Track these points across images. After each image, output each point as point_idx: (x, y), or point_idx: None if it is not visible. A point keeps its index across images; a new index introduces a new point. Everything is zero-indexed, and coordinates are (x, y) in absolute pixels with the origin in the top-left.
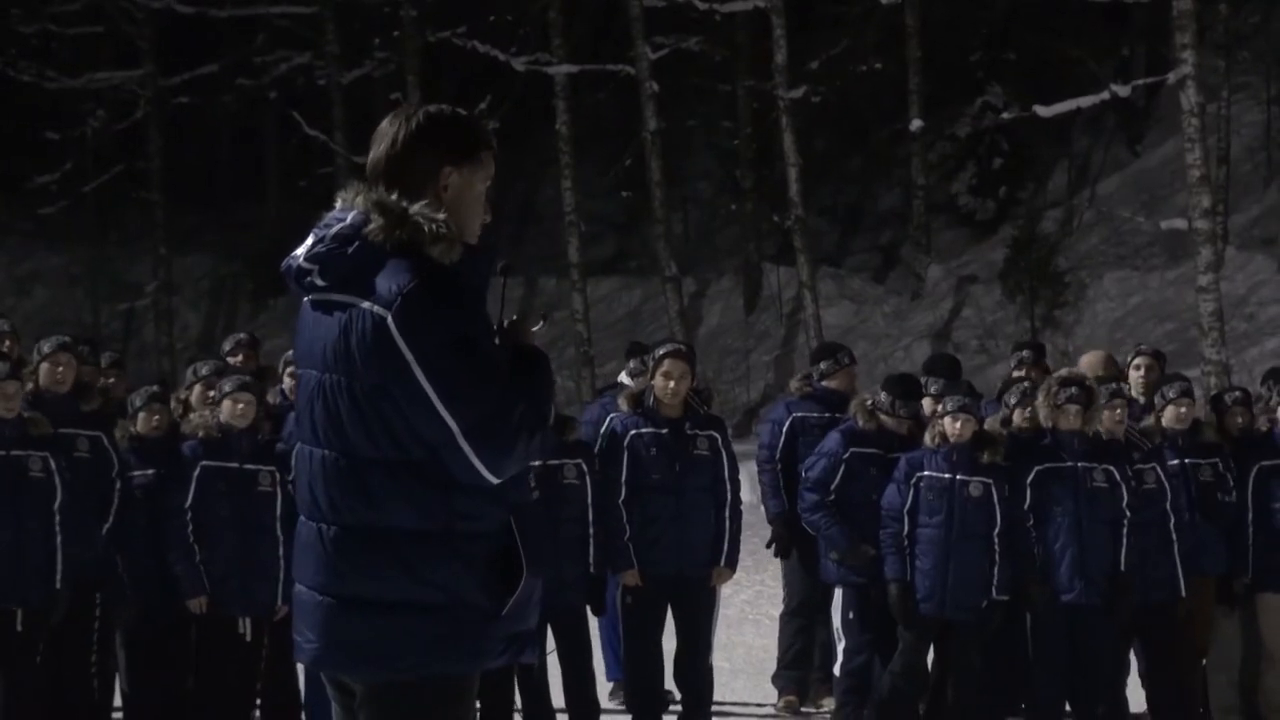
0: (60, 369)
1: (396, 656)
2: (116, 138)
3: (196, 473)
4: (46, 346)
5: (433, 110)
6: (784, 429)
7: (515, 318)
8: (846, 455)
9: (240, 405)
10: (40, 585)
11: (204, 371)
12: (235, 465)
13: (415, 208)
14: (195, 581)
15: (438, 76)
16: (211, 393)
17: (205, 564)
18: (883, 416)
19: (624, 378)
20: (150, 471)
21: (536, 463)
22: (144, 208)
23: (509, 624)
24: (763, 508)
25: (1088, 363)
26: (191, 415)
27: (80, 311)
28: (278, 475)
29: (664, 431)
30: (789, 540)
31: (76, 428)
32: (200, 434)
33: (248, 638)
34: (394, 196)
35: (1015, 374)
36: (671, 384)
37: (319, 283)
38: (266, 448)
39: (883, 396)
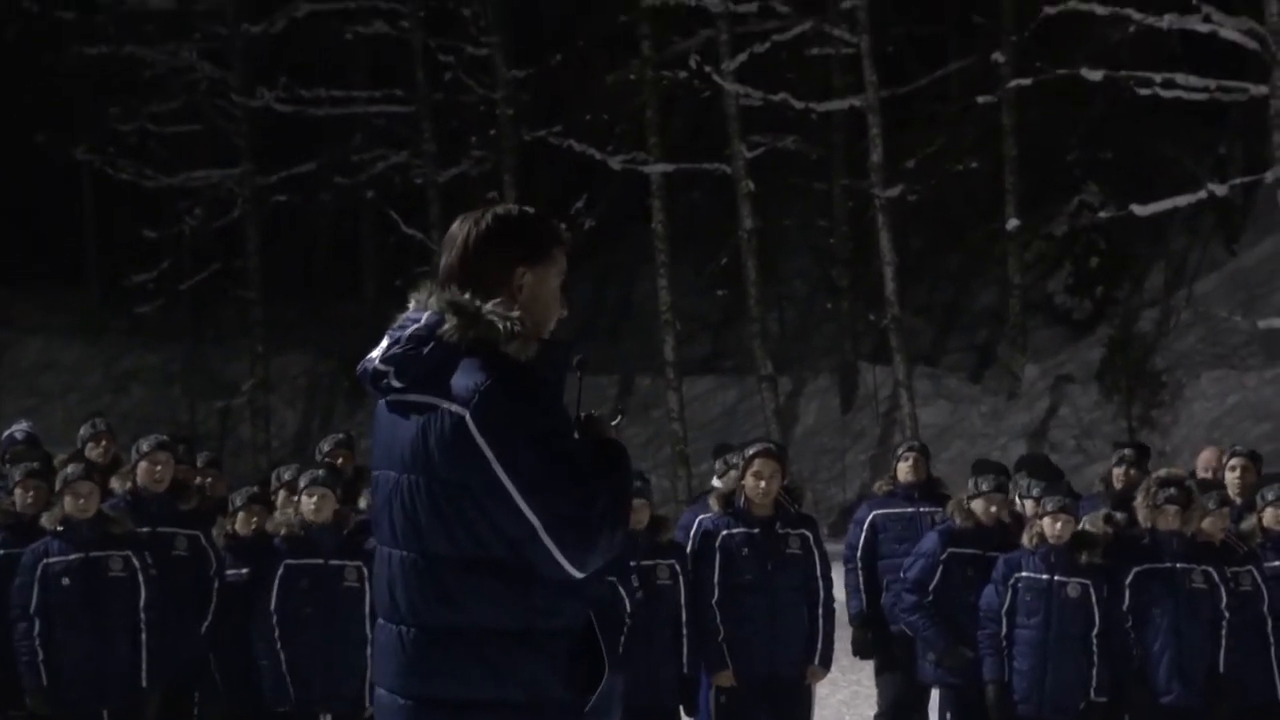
0: (159, 468)
1: None
2: (214, 236)
3: (280, 572)
4: (145, 445)
5: (501, 211)
6: (864, 527)
7: (592, 412)
8: (944, 556)
9: (315, 499)
10: (124, 687)
11: (287, 476)
12: (320, 562)
13: (489, 306)
14: (278, 686)
15: (534, 175)
16: (295, 496)
17: (289, 663)
18: (972, 504)
19: (715, 480)
20: (245, 571)
21: (634, 562)
22: (241, 306)
23: (593, 719)
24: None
25: (1204, 460)
26: (276, 515)
27: (177, 410)
28: (365, 571)
29: (755, 531)
30: (868, 640)
31: (175, 526)
32: (283, 532)
33: None
34: (466, 296)
35: (1115, 470)
36: (763, 483)
37: (395, 384)
38: (352, 542)
39: (970, 484)
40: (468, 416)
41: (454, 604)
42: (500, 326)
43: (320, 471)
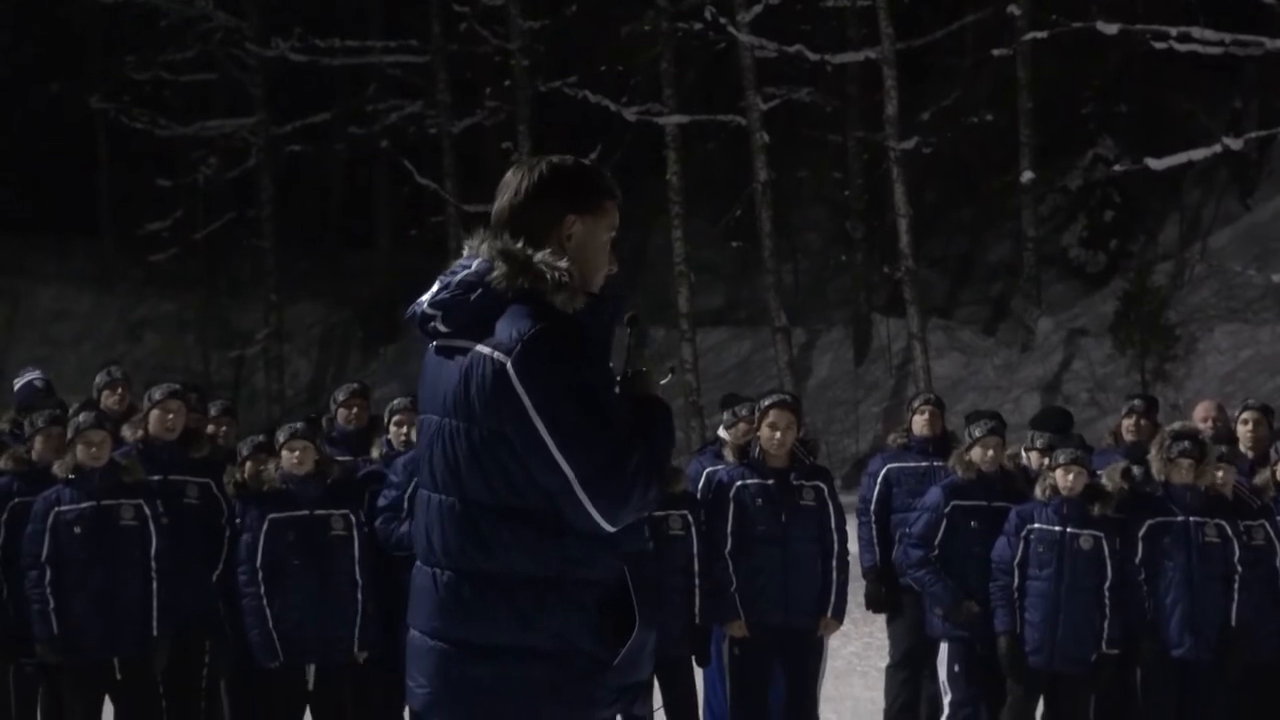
0: (171, 416)
1: (508, 703)
2: (228, 185)
3: (265, 527)
4: (157, 394)
5: (556, 160)
6: (878, 481)
7: (644, 368)
8: (948, 509)
9: (296, 453)
10: (135, 634)
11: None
12: (305, 513)
13: (539, 255)
14: (266, 643)
15: (548, 126)
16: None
17: (277, 618)
18: (970, 454)
19: (722, 431)
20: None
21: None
22: (255, 255)
23: (621, 674)
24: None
25: (1200, 412)
26: (261, 471)
27: (191, 359)
28: (352, 519)
29: (770, 482)
30: (881, 594)
31: (186, 474)
32: (265, 488)
33: (310, 685)
34: (518, 244)
35: (1125, 422)
36: (778, 435)
37: (442, 329)
38: (337, 491)
39: (965, 435)
40: (509, 364)
41: (488, 550)
42: (549, 276)
43: (299, 424)
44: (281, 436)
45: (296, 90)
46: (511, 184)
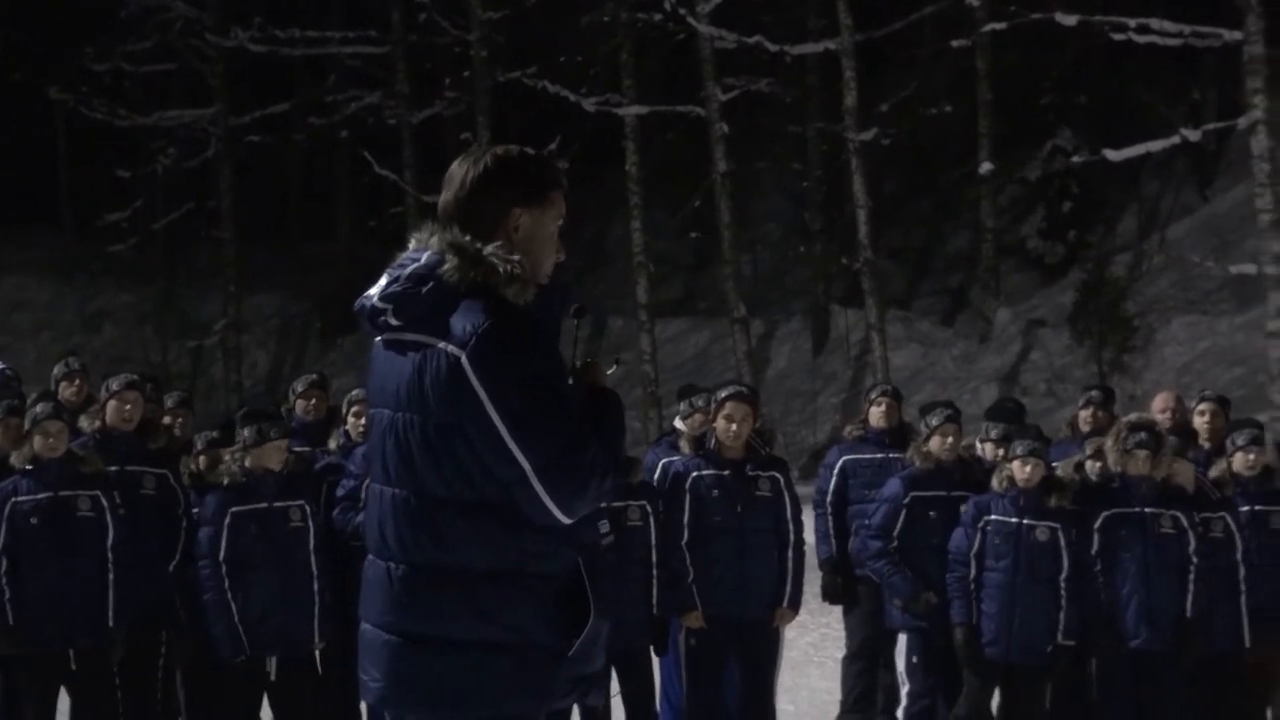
0: (128, 407)
1: (463, 696)
2: (187, 176)
3: (228, 520)
4: (114, 384)
5: (501, 152)
6: (835, 472)
7: (589, 360)
8: (907, 500)
9: (270, 448)
10: (91, 625)
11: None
12: (265, 505)
13: (489, 249)
14: (232, 637)
15: (508, 116)
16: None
17: (241, 611)
18: (928, 444)
19: (678, 422)
20: None
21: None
22: (214, 246)
23: (576, 664)
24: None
25: (1158, 403)
26: (219, 466)
27: (149, 349)
28: (307, 509)
29: (726, 473)
30: (838, 585)
31: (143, 465)
32: (226, 481)
33: (272, 677)
34: (468, 238)
35: (1082, 413)
36: (734, 426)
37: (393, 322)
38: (294, 482)
39: (922, 426)
40: (464, 358)
41: (444, 543)
42: (500, 269)
43: (267, 419)
44: (247, 432)
45: (256, 80)
46: (457, 177)
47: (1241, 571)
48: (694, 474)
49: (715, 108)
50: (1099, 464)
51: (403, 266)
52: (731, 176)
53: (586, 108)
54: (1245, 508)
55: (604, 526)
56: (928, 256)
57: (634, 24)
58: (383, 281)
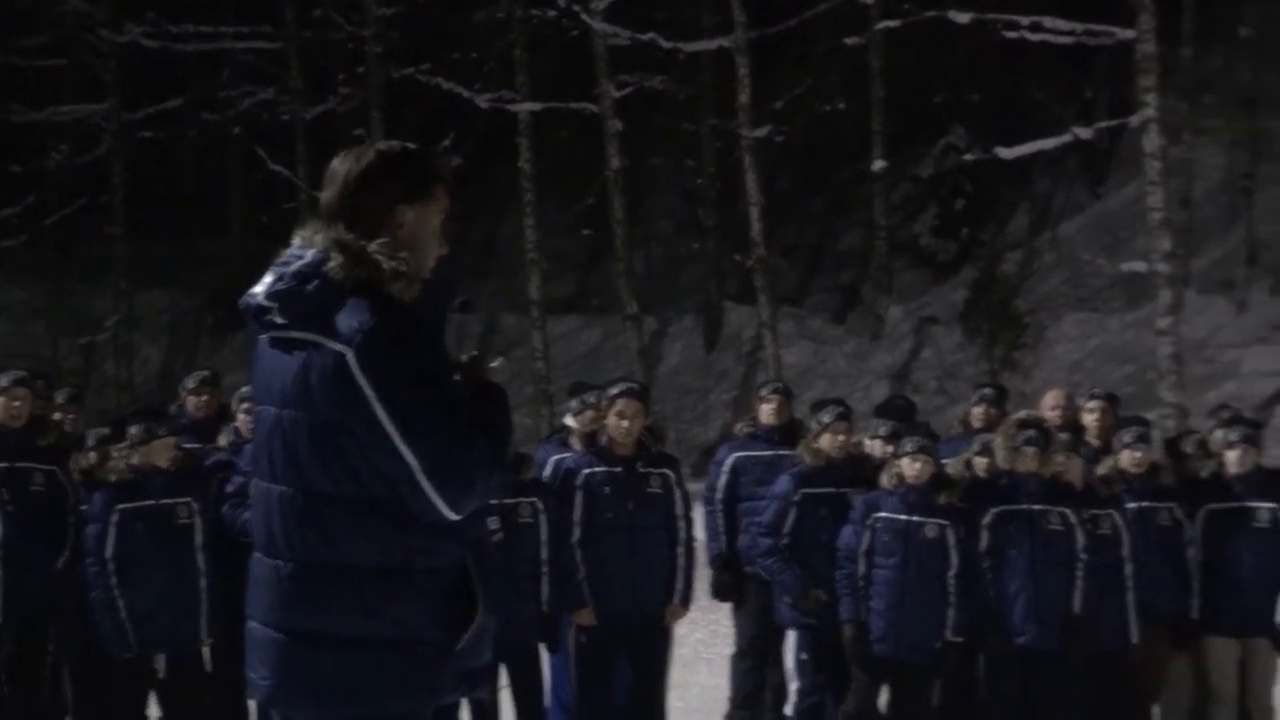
0: (17, 403)
1: (350, 693)
2: (79, 171)
3: (115, 517)
4: (3, 381)
5: (383, 148)
6: (725, 469)
7: (475, 354)
8: (798, 497)
9: (158, 447)
10: None
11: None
12: (152, 502)
13: (374, 246)
14: (119, 634)
15: (401, 113)
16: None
17: (129, 609)
18: (819, 442)
19: (569, 419)
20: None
21: (495, 501)
22: (106, 242)
23: (463, 660)
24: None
25: (1048, 401)
26: (108, 463)
27: (40, 345)
28: (194, 506)
29: (617, 470)
30: (727, 582)
31: (32, 462)
32: (113, 478)
33: (160, 675)
34: (352, 235)
35: (975, 410)
36: (625, 423)
37: (278, 320)
38: (180, 480)
39: (813, 423)
40: (350, 356)
41: (331, 541)
42: (385, 267)
43: (153, 420)
44: (134, 430)
45: (149, 76)
46: (340, 174)
47: (1128, 569)
48: (585, 471)
49: (609, 105)
50: (986, 461)
51: (287, 264)
52: (624, 173)
53: (480, 104)
54: (1132, 505)
55: (493, 523)
56: (820, 254)
57: (528, 21)
58: (268, 279)
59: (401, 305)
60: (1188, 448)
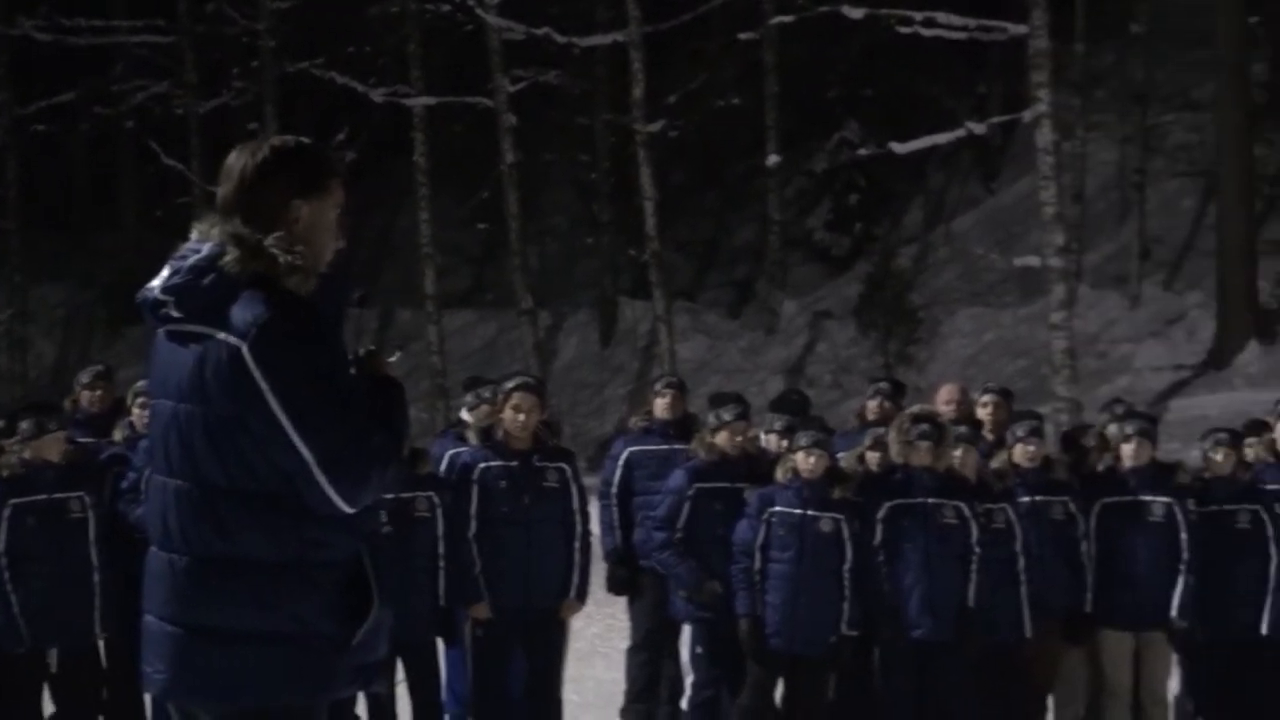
0: None
1: (245, 686)
2: None
3: (8, 512)
4: None
5: (278, 143)
6: (620, 463)
7: (372, 348)
8: (692, 492)
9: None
10: None
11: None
12: (44, 497)
13: (270, 240)
14: (11, 629)
15: (296, 107)
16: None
17: (22, 603)
18: (715, 437)
19: (464, 413)
20: None
21: (389, 496)
22: None
23: (359, 654)
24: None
25: (943, 395)
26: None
27: None
28: (87, 500)
29: (513, 464)
30: (622, 576)
31: None
32: (5, 473)
33: (53, 669)
34: (248, 229)
35: (870, 404)
36: (521, 417)
37: (175, 314)
38: (73, 474)
39: (711, 418)
40: (245, 349)
41: (226, 534)
42: (281, 260)
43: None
44: (25, 425)
45: (41, 70)
46: (236, 169)
47: (1021, 562)
48: (481, 465)
49: (503, 99)
50: (878, 455)
51: (184, 258)
52: (519, 168)
53: (375, 99)
54: (1025, 499)
55: (381, 517)
56: (715, 249)
57: (422, 15)
58: (164, 273)
59: (297, 299)
60: (1089, 441)
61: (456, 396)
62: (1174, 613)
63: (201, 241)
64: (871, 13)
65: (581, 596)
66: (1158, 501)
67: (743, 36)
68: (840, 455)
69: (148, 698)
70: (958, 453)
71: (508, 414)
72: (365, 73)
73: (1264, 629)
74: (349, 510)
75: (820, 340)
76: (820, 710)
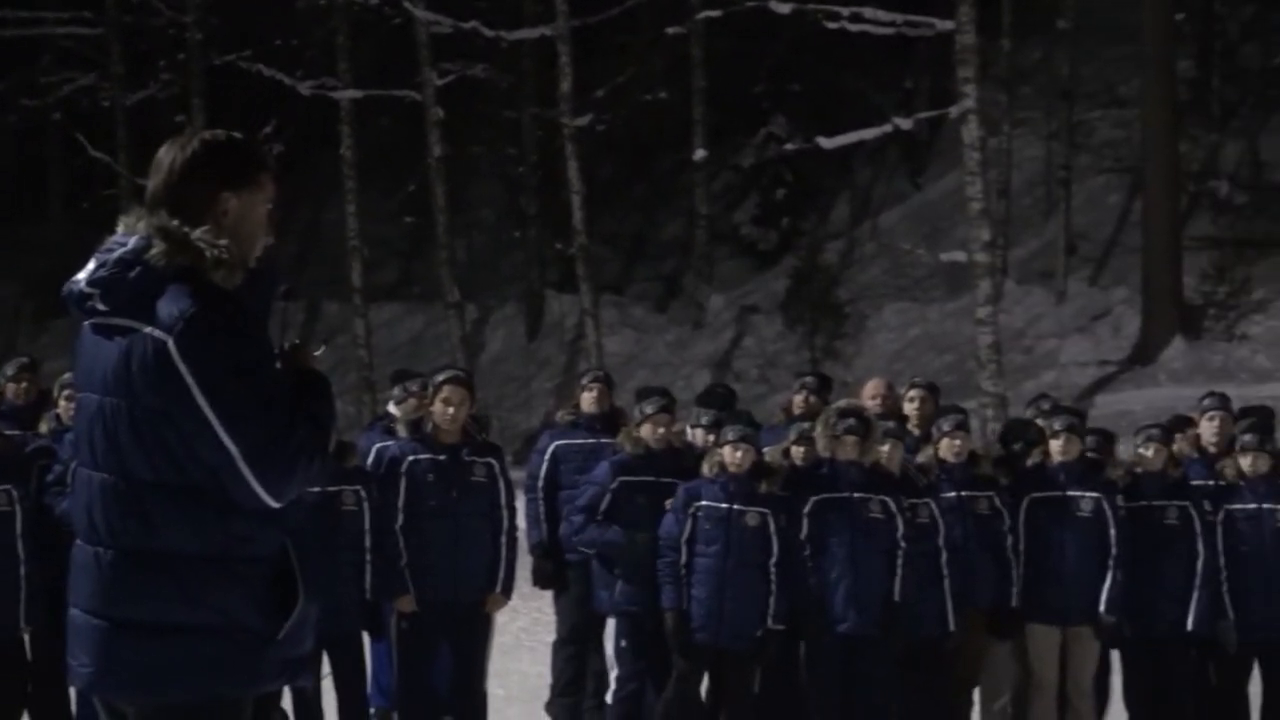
0: None
1: (171, 680)
2: None
3: None
4: None
5: (208, 136)
6: (546, 457)
7: (297, 342)
8: (614, 485)
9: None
10: None
11: None
12: None
13: (197, 233)
14: None
15: (223, 99)
16: None
17: None
18: (640, 430)
19: (391, 406)
20: None
21: (315, 489)
22: None
23: (284, 647)
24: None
25: (869, 390)
26: None
27: None
28: (15, 494)
29: (441, 458)
30: (548, 570)
31: None
32: None
33: None
34: (175, 222)
35: (796, 398)
36: (450, 410)
37: (100, 307)
38: (2, 467)
39: (636, 411)
40: (170, 343)
41: (152, 528)
42: (208, 254)
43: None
44: None
45: None
46: (165, 162)
47: (944, 556)
48: (410, 458)
49: (431, 92)
50: (803, 449)
51: (110, 251)
52: (446, 161)
53: (302, 91)
54: (951, 493)
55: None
56: (642, 243)
57: (350, 8)
58: (90, 266)
59: (223, 293)
60: (1032, 436)
61: (383, 390)
62: (1102, 608)
63: (128, 234)
64: (799, 8)
65: (507, 590)
66: (1086, 497)
67: (670, 31)
68: (766, 450)
69: (73, 691)
70: (884, 448)
71: (437, 407)
72: (292, 65)
73: (1190, 625)
74: (275, 504)
75: (747, 335)
76: (745, 704)
